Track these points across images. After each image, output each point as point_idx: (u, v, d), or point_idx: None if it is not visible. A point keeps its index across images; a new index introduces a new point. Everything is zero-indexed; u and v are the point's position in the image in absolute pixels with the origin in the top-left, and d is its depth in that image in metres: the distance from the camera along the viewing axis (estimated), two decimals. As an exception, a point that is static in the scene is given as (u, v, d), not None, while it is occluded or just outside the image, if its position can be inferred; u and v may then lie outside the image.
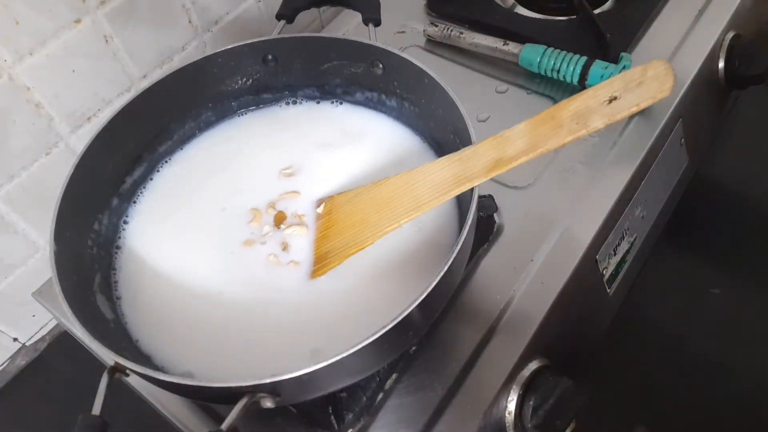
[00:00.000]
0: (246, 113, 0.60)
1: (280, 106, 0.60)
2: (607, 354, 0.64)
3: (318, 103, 0.60)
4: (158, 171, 0.56)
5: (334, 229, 0.49)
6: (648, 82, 0.36)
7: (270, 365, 0.41)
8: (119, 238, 0.52)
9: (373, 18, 0.57)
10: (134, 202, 0.54)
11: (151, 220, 0.54)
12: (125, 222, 0.53)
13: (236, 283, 0.49)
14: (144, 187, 0.55)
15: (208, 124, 0.59)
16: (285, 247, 0.50)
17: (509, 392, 0.50)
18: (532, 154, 0.39)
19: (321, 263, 0.48)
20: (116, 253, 0.52)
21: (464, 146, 0.44)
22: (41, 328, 0.68)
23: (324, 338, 0.45)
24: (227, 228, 0.52)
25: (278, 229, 0.51)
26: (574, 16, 0.72)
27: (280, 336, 0.46)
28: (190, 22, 0.67)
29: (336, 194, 0.52)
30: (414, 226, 0.50)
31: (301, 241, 0.50)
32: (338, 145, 0.56)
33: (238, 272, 0.49)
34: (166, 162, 0.57)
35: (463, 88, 0.69)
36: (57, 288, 0.41)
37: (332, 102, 0.60)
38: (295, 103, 0.60)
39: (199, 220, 0.53)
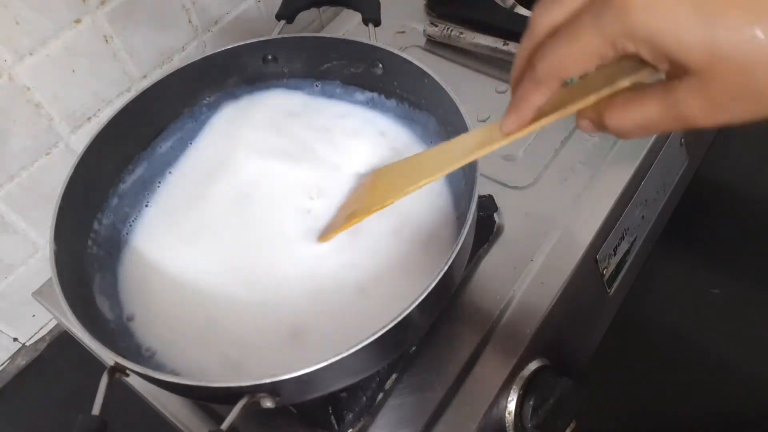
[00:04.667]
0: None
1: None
2: (607, 354, 0.64)
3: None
4: (156, 169, 0.56)
5: (357, 194, 0.49)
6: None
7: (268, 367, 0.41)
8: (119, 237, 0.52)
9: (373, 18, 0.57)
10: (133, 201, 0.54)
11: (152, 218, 0.53)
12: (125, 221, 0.53)
13: (244, 281, 0.48)
14: (144, 187, 0.55)
15: (207, 124, 0.59)
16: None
17: (509, 392, 0.50)
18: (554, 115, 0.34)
19: (331, 228, 0.48)
20: (116, 252, 0.51)
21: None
22: (41, 328, 0.68)
23: (323, 338, 0.45)
24: (233, 224, 0.52)
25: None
26: (574, 16, 0.72)
27: (279, 336, 0.46)
28: (190, 22, 0.67)
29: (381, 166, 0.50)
30: (414, 226, 0.50)
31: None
32: (339, 141, 0.56)
33: (247, 269, 0.49)
34: (165, 161, 0.57)
35: (463, 88, 0.69)
36: (57, 288, 0.41)
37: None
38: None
39: (204, 216, 0.52)
